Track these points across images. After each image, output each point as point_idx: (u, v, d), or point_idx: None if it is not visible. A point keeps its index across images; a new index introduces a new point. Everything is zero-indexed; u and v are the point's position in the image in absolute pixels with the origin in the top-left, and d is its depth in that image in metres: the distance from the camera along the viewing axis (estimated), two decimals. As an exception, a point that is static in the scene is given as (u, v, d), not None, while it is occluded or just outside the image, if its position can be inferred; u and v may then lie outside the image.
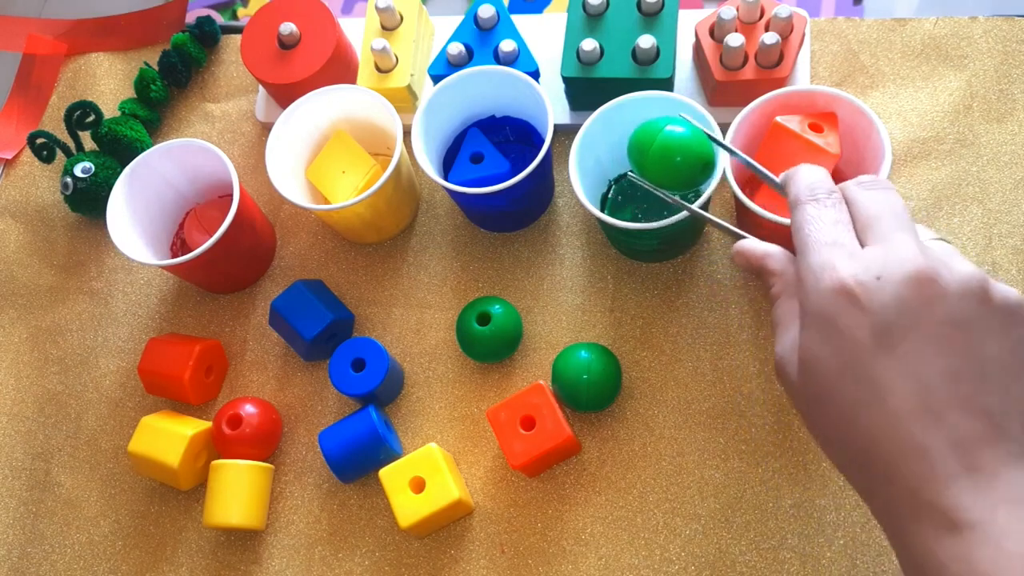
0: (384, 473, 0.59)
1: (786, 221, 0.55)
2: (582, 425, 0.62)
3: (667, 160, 0.53)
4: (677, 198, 0.52)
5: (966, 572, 0.33)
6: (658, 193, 0.53)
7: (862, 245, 0.38)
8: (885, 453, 0.36)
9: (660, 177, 0.54)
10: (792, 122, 0.57)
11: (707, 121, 0.58)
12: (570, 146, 0.61)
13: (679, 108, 0.59)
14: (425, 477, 0.58)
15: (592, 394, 0.59)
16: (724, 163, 0.57)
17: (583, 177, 0.61)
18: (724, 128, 0.59)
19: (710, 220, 0.49)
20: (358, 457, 0.61)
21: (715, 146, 0.54)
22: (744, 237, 0.46)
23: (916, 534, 0.35)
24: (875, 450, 0.36)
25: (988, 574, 0.32)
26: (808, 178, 0.42)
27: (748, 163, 0.50)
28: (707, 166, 0.54)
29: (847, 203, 0.41)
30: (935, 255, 0.36)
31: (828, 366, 0.37)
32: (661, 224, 0.56)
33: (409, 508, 0.58)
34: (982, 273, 0.36)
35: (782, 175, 0.44)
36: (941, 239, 0.39)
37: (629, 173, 0.55)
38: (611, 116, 0.61)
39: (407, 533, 0.61)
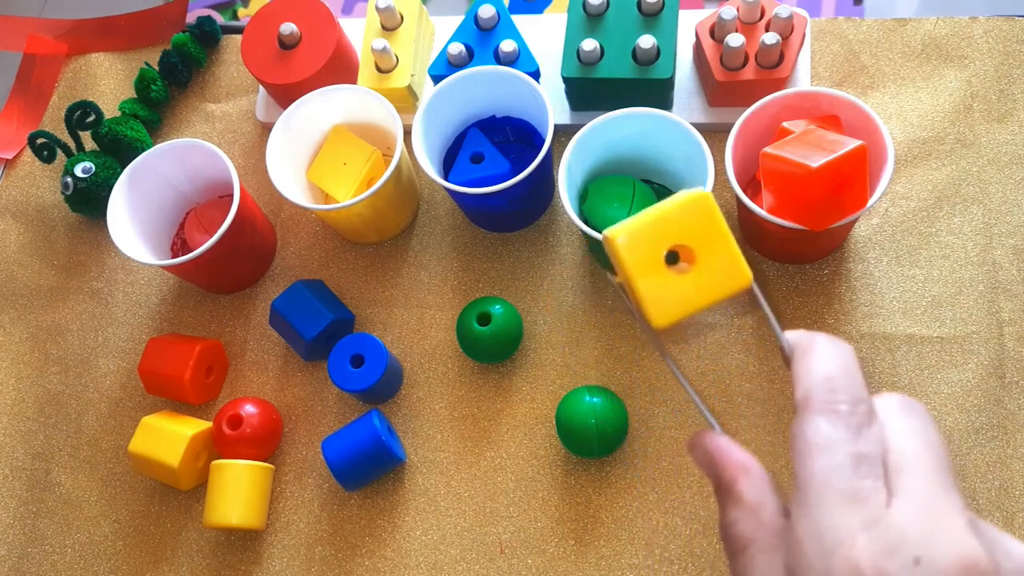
0: (616, 234, 0.33)
1: (790, 224, 0.55)
2: (582, 425, 0.62)
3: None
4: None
5: None
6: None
7: (888, 494, 0.27)
8: None
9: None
10: (797, 126, 0.57)
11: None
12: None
13: (664, 124, 0.60)
14: (693, 245, 0.33)
15: (603, 439, 0.58)
16: (727, 167, 0.57)
17: (573, 190, 0.61)
18: (726, 128, 0.60)
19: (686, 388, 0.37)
20: (363, 467, 0.60)
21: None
22: (711, 421, 0.34)
23: None
24: None
25: None
26: (825, 368, 0.29)
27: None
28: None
29: None
30: (986, 531, 0.27)
31: None
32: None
33: (667, 294, 0.33)
34: None
35: (791, 337, 0.32)
36: None
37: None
38: (600, 132, 0.61)
39: (663, 330, 0.35)
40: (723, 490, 0.31)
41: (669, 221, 0.33)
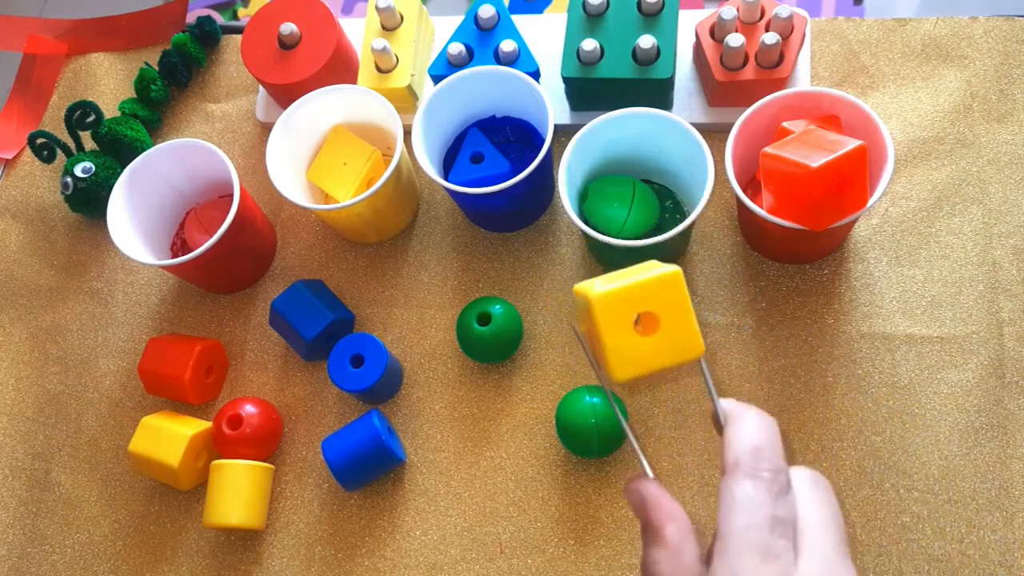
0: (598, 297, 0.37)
1: (790, 224, 0.55)
2: (582, 425, 0.62)
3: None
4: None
5: None
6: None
7: (796, 554, 0.32)
8: None
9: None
10: (797, 126, 0.57)
11: None
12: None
13: (664, 124, 0.60)
14: (660, 314, 0.37)
15: (603, 439, 0.58)
16: (727, 167, 0.57)
17: (573, 190, 0.61)
18: (726, 128, 0.60)
19: (631, 440, 0.41)
20: (363, 467, 0.60)
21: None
22: (646, 467, 0.38)
23: None
24: None
25: None
26: (754, 438, 0.33)
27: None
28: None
29: None
30: None
31: None
32: (645, 243, 0.56)
33: (630, 353, 0.37)
34: None
35: (724, 406, 0.36)
36: None
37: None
38: (600, 132, 0.61)
39: (620, 384, 0.43)
40: (650, 532, 0.34)
41: (643, 291, 0.36)
